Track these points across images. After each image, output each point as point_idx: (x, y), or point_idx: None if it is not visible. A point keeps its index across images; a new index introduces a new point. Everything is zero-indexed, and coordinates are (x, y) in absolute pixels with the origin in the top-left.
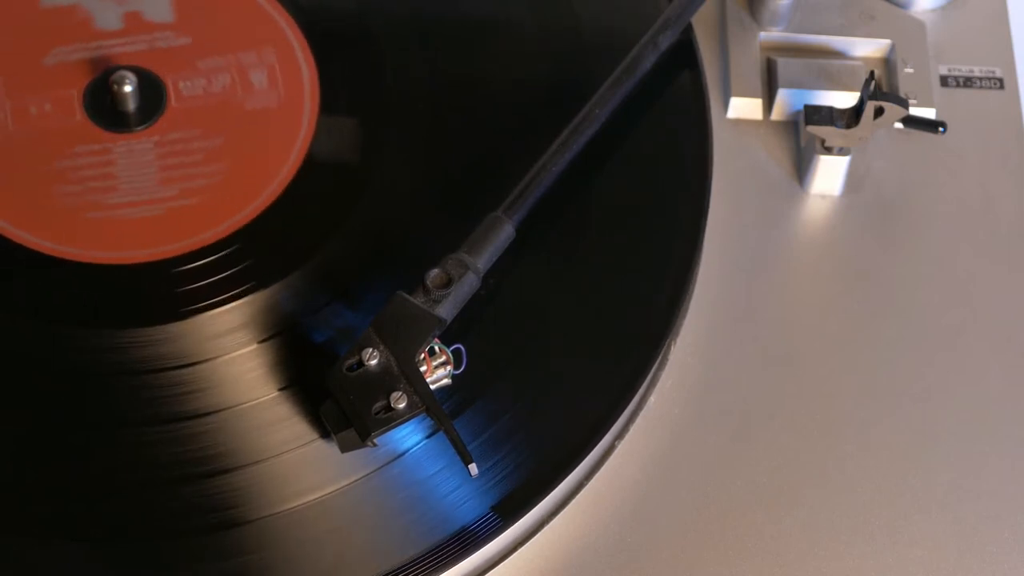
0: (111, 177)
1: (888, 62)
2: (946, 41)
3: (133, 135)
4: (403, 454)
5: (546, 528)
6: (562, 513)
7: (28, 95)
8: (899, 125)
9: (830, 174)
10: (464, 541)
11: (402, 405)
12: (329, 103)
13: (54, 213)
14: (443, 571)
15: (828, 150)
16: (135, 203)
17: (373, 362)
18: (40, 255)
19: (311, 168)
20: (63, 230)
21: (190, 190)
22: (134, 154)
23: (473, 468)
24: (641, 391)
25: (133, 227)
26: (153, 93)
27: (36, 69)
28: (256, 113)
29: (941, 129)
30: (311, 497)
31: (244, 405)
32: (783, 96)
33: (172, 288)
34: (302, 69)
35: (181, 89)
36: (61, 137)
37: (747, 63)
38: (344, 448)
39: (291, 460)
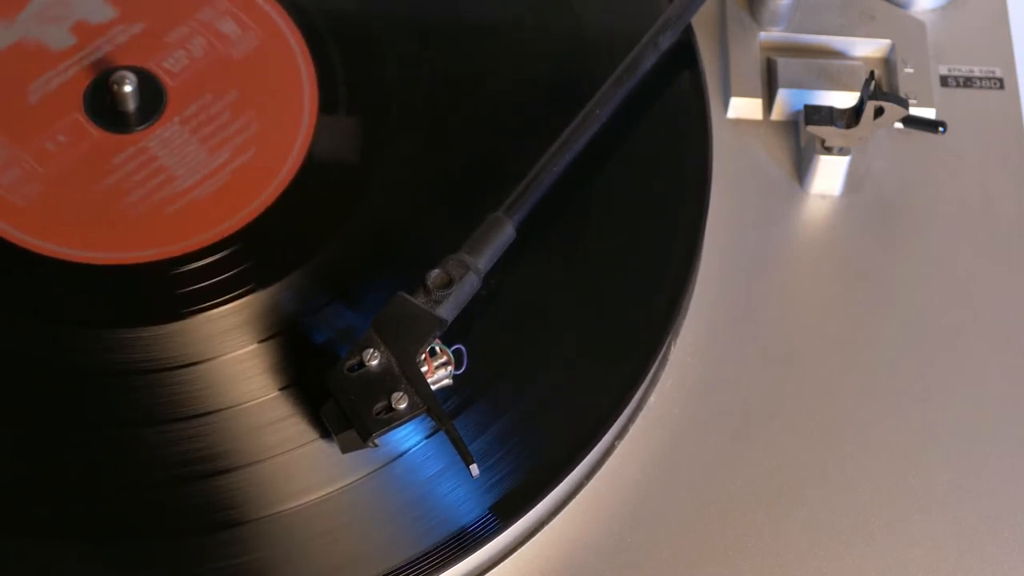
0: (163, 169)
1: (888, 62)
2: (946, 41)
3: (158, 124)
4: (403, 454)
5: (546, 528)
6: (562, 513)
7: (36, 137)
8: (899, 125)
9: (830, 174)
10: (464, 541)
11: (403, 406)
12: (329, 103)
13: (133, 223)
14: (443, 571)
15: (828, 150)
16: (200, 181)
17: (374, 363)
18: (40, 255)
19: (311, 168)
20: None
21: (240, 146)
22: (170, 140)
23: (474, 468)
24: (641, 391)
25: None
26: (149, 84)
27: (26, 111)
28: (247, 59)
29: (941, 129)
30: (311, 497)
31: (244, 405)
32: (783, 96)
33: (172, 288)
34: (301, 69)
35: (168, 67)
36: (93, 157)
37: (747, 63)
38: (345, 449)
39: (291, 460)
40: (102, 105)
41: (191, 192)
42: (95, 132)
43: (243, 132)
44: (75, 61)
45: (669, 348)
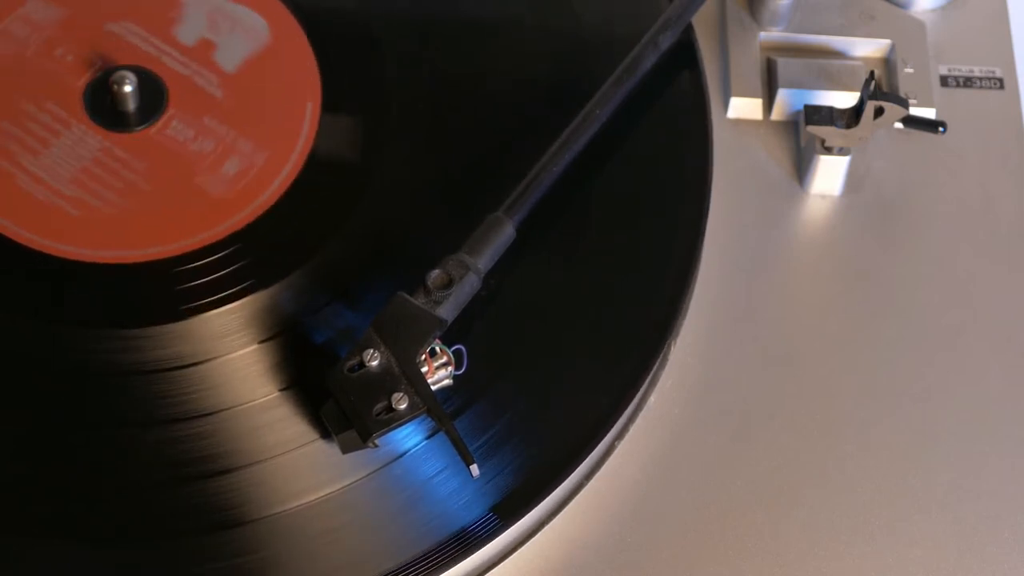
0: (45, 144)
1: (888, 62)
2: (946, 41)
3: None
4: (403, 454)
5: (546, 528)
6: (562, 513)
7: (66, 43)
8: (899, 125)
9: (830, 174)
10: (464, 541)
11: (403, 406)
12: (329, 103)
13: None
14: (443, 571)
15: (828, 150)
16: (37, 178)
17: (374, 363)
18: (40, 255)
19: (311, 168)
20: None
21: (81, 202)
22: (78, 143)
23: (474, 469)
24: (641, 391)
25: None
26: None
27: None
28: (197, 189)
29: (941, 129)
30: (311, 497)
31: (244, 405)
32: (783, 96)
33: (172, 288)
34: (303, 69)
35: (172, 127)
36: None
37: (747, 63)
38: (345, 449)
39: (291, 460)
40: (102, 106)
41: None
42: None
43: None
44: (167, 51)
45: (669, 348)
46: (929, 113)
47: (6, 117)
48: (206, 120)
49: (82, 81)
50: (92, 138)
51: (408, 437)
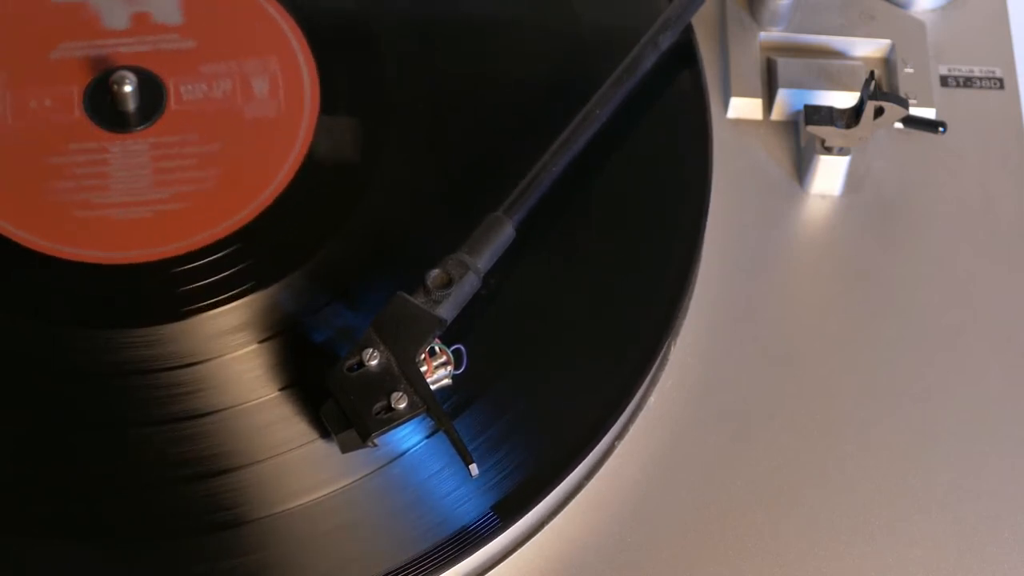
0: (104, 176)
1: (888, 62)
2: (946, 41)
3: (130, 135)
4: (403, 454)
5: (546, 528)
6: (562, 513)
7: (30, 89)
8: (899, 125)
9: (830, 174)
10: (464, 541)
11: (403, 405)
12: (329, 103)
13: (44, 209)
14: (443, 571)
15: (828, 150)
16: (126, 203)
17: (373, 362)
18: (40, 255)
19: (311, 168)
20: (50, 227)
21: (182, 195)
22: (129, 155)
23: (474, 468)
24: (641, 391)
25: (127, 227)
26: (153, 94)
27: (41, 63)
28: (255, 122)
29: (941, 129)
30: (311, 497)
31: (244, 405)
32: (783, 96)
33: (172, 288)
34: (303, 69)
35: (182, 92)
36: (58, 133)
37: (747, 63)
38: (344, 449)
39: (291, 460)
40: (101, 94)
41: (106, 209)
42: (77, 113)
43: (195, 184)
44: (113, 44)
45: (669, 348)
46: (929, 113)
47: (54, 178)
48: (203, 69)
49: (77, 113)
50: (137, 144)
51: (407, 437)
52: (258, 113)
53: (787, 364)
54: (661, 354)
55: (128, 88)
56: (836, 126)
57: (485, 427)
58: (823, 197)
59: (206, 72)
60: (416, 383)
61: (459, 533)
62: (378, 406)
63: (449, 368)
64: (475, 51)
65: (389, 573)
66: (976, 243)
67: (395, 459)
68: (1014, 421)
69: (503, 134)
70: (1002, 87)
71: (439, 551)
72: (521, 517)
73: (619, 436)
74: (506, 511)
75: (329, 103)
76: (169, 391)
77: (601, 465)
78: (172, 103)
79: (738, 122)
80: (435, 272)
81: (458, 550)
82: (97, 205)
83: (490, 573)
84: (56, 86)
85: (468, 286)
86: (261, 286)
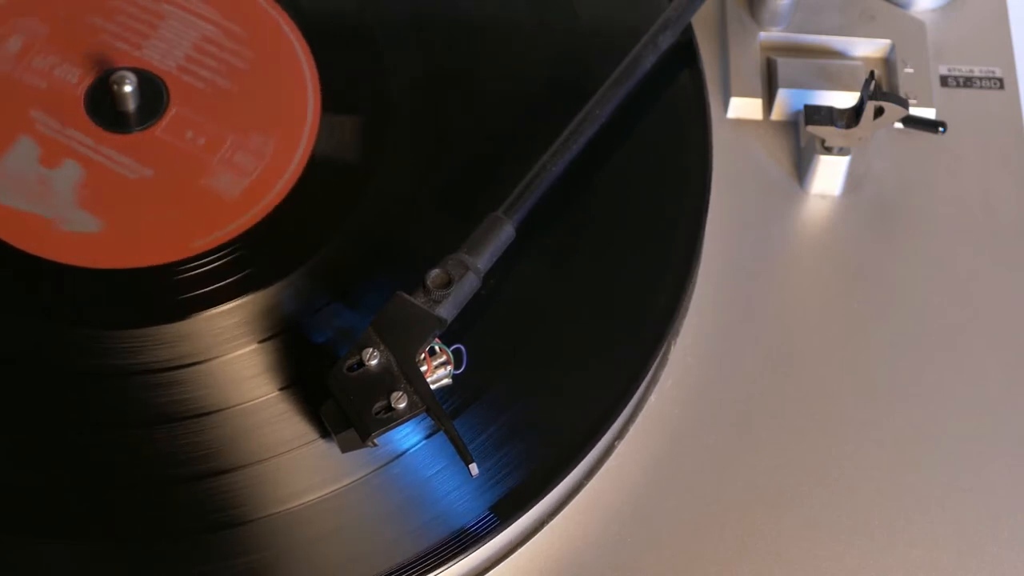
0: (177, 163)
1: (888, 62)
2: (946, 41)
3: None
4: (403, 454)
5: (546, 528)
6: (562, 513)
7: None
8: (899, 125)
9: (830, 174)
10: (464, 541)
11: (402, 405)
12: (330, 104)
13: (159, 215)
14: (443, 571)
15: (828, 150)
16: (209, 174)
17: (373, 362)
18: (40, 257)
19: (312, 168)
20: (174, 227)
21: (245, 136)
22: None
23: (474, 468)
24: (641, 391)
25: (209, 205)
26: (153, 94)
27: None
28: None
29: (941, 129)
30: (311, 497)
31: (244, 405)
32: (783, 96)
33: (173, 288)
34: (303, 69)
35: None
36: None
37: (747, 63)
38: (344, 448)
39: (291, 460)
40: (102, 105)
41: (208, 183)
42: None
43: (247, 120)
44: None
45: (669, 348)
46: (929, 113)
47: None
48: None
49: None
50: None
51: (407, 436)
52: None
53: (787, 364)
54: (661, 354)
55: (128, 88)
56: (836, 126)
57: (485, 427)
58: (823, 197)
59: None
60: (416, 383)
61: (459, 533)
62: (378, 406)
63: (449, 368)
64: (475, 51)
65: (389, 573)
66: (976, 243)
67: (395, 459)
68: (1014, 421)
69: (503, 134)
70: (1002, 87)
71: (439, 551)
72: (520, 517)
73: (619, 436)
74: (506, 511)
75: (330, 104)
76: (169, 391)
77: (601, 465)
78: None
79: (738, 122)
80: (435, 272)
81: (458, 550)
82: (181, 193)
83: (490, 573)
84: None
85: (468, 286)
86: (261, 286)
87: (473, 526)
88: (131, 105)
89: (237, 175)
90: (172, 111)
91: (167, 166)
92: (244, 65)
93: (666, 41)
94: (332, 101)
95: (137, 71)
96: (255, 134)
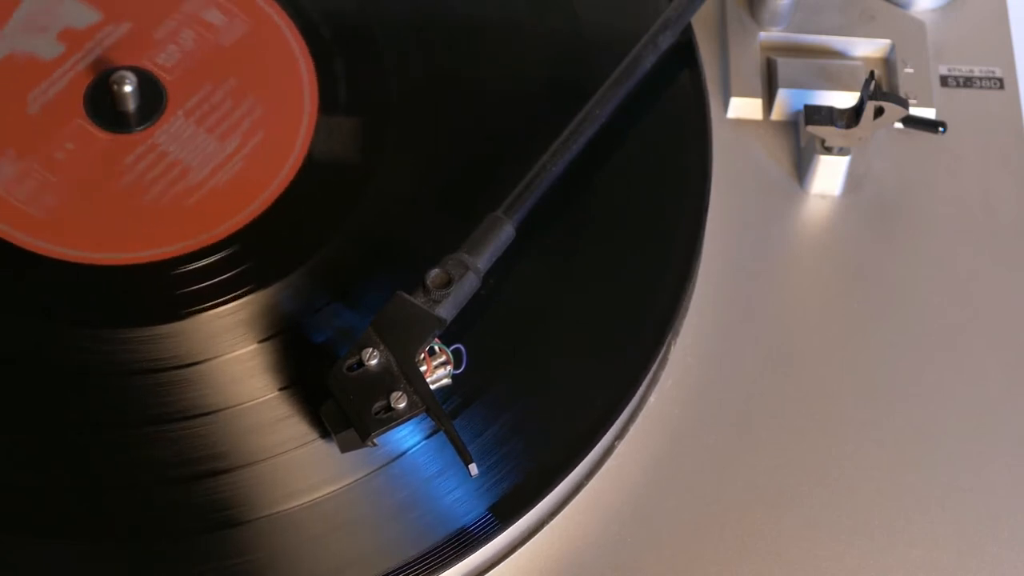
0: (177, 163)
1: (888, 62)
2: (946, 41)
3: (163, 120)
4: (403, 454)
5: (546, 528)
6: (562, 513)
7: (44, 147)
8: (899, 125)
9: (830, 174)
10: (463, 541)
11: (402, 405)
12: (328, 103)
13: (159, 215)
14: (443, 571)
15: (828, 150)
16: (216, 169)
17: (373, 362)
18: (40, 256)
19: (311, 168)
20: (174, 227)
21: (248, 131)
22: (178, 134)
23: (473, 468)
24: (641, 391)
25: (217, 199)
26: (153, 94)
27: (28, 121)
28: (236, 45)
29: (941, 129)
30: (311, 497)
31: (244, 405)
32: (783, 96)
33: (172, 288)
34: (302, 69)
35: (162, 63)
36: (104, 160)
37: (747, 63)
38: (344, 448)
39: (291, 460)
40: (102, 106)
41: (206, 184)
42: (101, 135)
43: (248, 116)
44: (68, 68)
45: (669, 348)
46: (929, 113)
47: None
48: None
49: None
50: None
51: (407, 437)
52: (233, 37)
53: (787, 364)
54: (661, 354)
55: (128, 88)
56: (836, 126)
57: (485, 427)
58: (823, 197)
59: (161, 37)
60: (416, 383)
61: (459, 533)
62: (378, 406)
63: (449, 368)
64: (475, 51)
65: (389, 573)
66: (976, 243)
67: (395, 459)
68: (1014, 421)
69: (503, 134)
70: (1002, 87)
71: (439, 551)
72: (520, 517)
73: (619, 436)
74: (505, 511)
75: (328, 103)
76: (169, 391)
77: (601, 465)
78: (165, 77)
79: (738, 122)
80: (435, 272)
81: (458, 550)
82: (196, 186)
83: (490, 573)
84: (61, 128)
85: (468, 286)
86: (261, 286)
87: (473, 526)
88: (131, 105)
89: (236, 173)
90: (171, 111)
91: (167, 166)
92: (243, 64)
93: (666, 41)
94: (330, 100)
95: (137, 71)
96: (254, 132)
